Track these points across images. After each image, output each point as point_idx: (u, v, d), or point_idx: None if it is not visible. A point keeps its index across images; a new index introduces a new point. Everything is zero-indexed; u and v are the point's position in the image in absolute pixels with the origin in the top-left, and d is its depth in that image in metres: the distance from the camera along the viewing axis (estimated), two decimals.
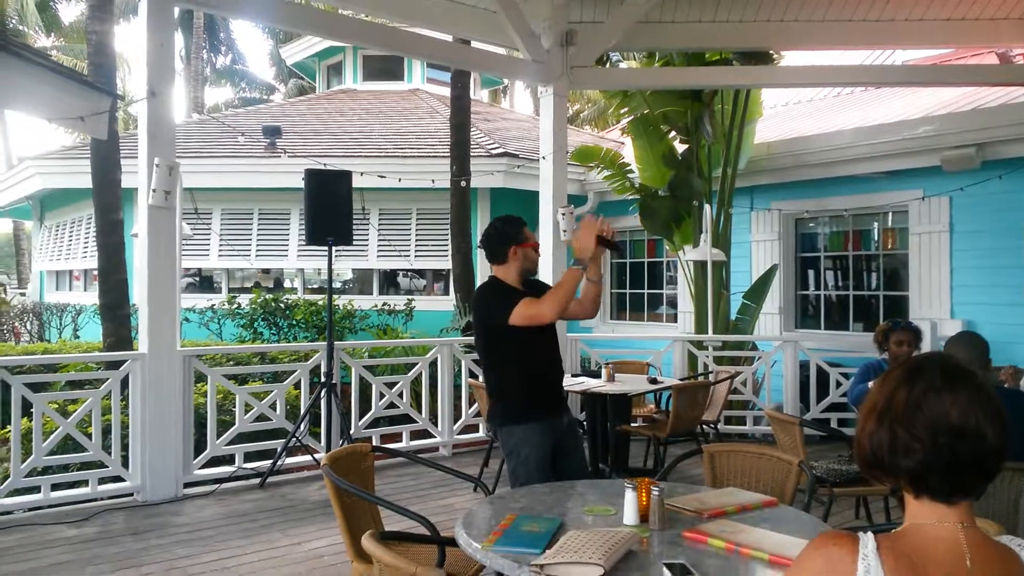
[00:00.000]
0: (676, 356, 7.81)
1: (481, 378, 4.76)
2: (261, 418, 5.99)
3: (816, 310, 9.22)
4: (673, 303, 10.65)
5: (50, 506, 5.02)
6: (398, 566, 2.13)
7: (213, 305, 9.94)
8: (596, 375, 6.01)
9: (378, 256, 10.98)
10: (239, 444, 5.89)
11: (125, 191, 7.71)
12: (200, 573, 4.03)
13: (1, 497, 4.85)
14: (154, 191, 5.13)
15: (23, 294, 18.63)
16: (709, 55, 8.37)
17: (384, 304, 10.22)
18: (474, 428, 7.10)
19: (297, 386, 6.25)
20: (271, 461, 5.80)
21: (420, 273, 11.61)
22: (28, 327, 13.49)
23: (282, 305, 9.59)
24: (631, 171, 9.05)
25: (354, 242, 6.29)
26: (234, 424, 5.89)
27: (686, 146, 8.75)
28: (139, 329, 5.53)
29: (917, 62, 10.05)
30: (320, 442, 6.10)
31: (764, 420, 7.26)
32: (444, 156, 9.74)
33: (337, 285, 11.47)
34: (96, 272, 8.50)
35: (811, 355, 7.55)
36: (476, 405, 6.76)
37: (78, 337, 11.81)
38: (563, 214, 6.94)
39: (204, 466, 5.68)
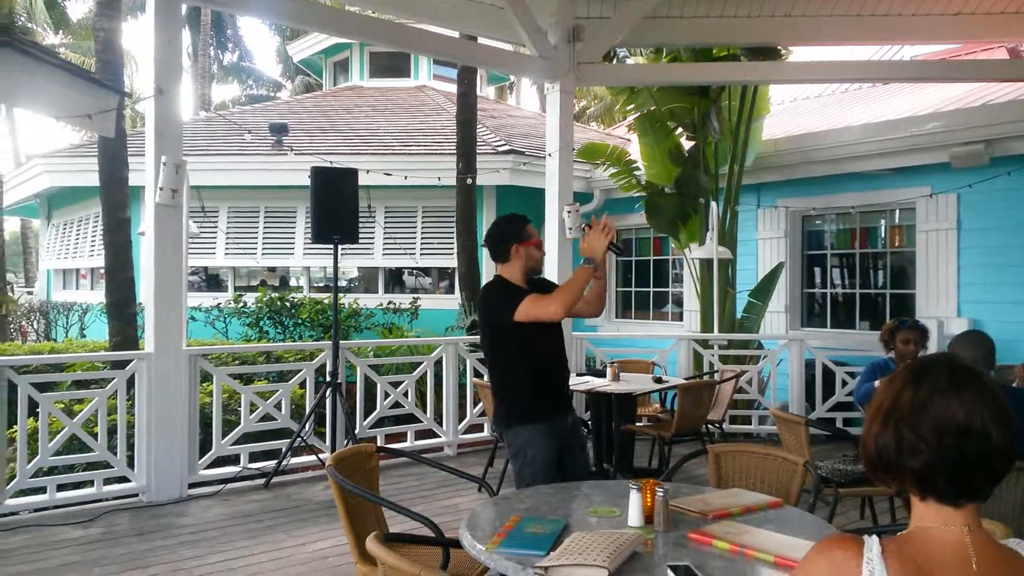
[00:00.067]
0: (681, 355, 7.78)
1: (486, 377, 4.75)
2: (266, 418, 6.00)
3: (822, 308, 9.18)
4: (679, 301, 10.62)
5: (56, 507, 5.03)
6: (402, 568, 2.12)
7: (219, 304, 9.96)
8: (601, 374, 6.00)
9: (384, 254, 10.99)
10: (244, 444, 5.90)
11: (132, 189, 7.72)
12: (205, 574, 4.04)
13: (7, 498, 4.86)
14: (161, 189, 5.14)
15: (30, 293, 18.73)
16: (717, 51, 8.34)
17: (389, 303, 10.23)
18: (479, 428, 7.09)
19: (302, 385, 6.25)
20: (276, 461, 5.80)
21: (425, 271, 11.61)
22: (35, 326, 13.55)
23: (288, 304, 9.60)
24: (637, 168, 9.03)
25: (360, 240, 6.28)
26: (239, 424, 5.90)
27: (693, 143, 8.72)
28: (145, 328, 5.54)
29: (925, 58, 10.00)
30: (325, 442, 6.10)
31: (769, 419, 7.23)
32: (450, 153, 9.73)
33: (343, 283, 11.49)
34: (103, 270, 8.52)
35: (817, 354, 7.51)
36: (481, 405, 6.75)
37: (84, 336, 11.86)
38: (569, 211, 6.91)
39: (209, 466, 5.69)
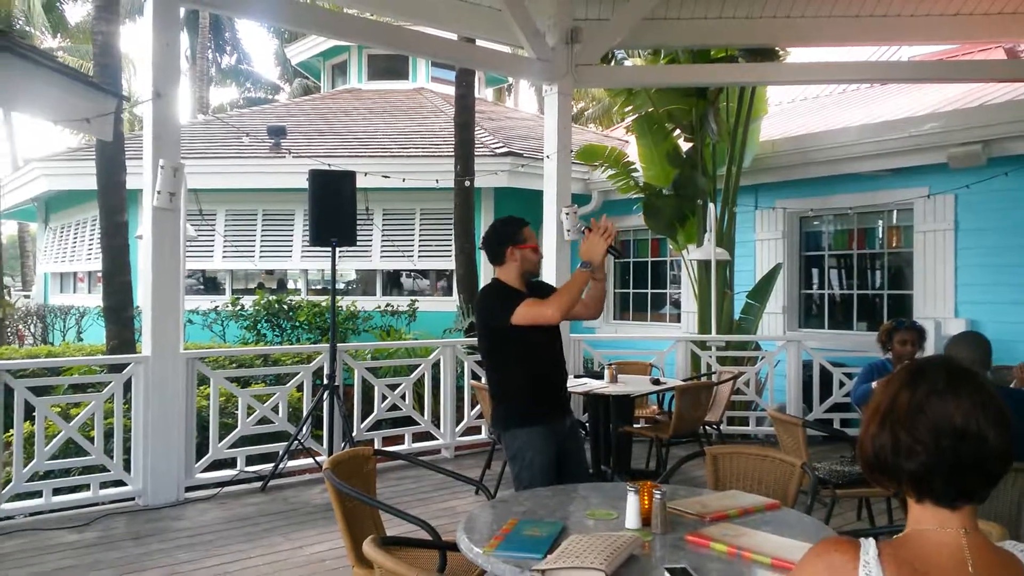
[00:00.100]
0: (679, 356, 7.78)
1: (484, 380, 4.74)
2: (263, 421, 5.98)
3: (820, 309, 9.18)
4: (676, 303, 10.62)
5: (52, 511, 5.01)
6: (399, 572, 2.11)
7: (217, 307, 9.95)
8: (599, 376, 5.99)
9: (381, 257, 10.99)
10: (241, 447, 5.89)
11: (130, 192, 7.72)
12: None
13: (3, 502, 4.84)
14: (159, 193, 5.12)
15: (27, 296, 18.70)
16: (714, 52, 8.34)
17: (387, 305, 10.22)
18: (476, 430, 7.09)
19: (300, 388, 6.24)
20: (273, 464, 5.79)
21: (423, 274, 11.60)
22: (32, 329, 13.53)
23: (285, 307, 9.60)
24: (635, 170, 9.03)
25: (358, 243, 6.28)
26: (236, 427, 5.89)
27: (691, 144, 8.73)
28: (143, 331, 5.52)
29: (923, 58, 10.01)
30: (322, 445, 6.08)
31: (767, 421, 7.23)
32: (448, 156, 9.73)
33: (340, 286, 11.49)
34: (100, 274, 8.51)
35: (814, 355, 7.51)
36: (479, 407, 6.75)
37: (81, 339, 11.84)
38: (567, 213, 6.92)
39: (206, 470, 5.68)
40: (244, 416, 5.89)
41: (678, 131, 8.86)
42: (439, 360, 6.86)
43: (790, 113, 11.05)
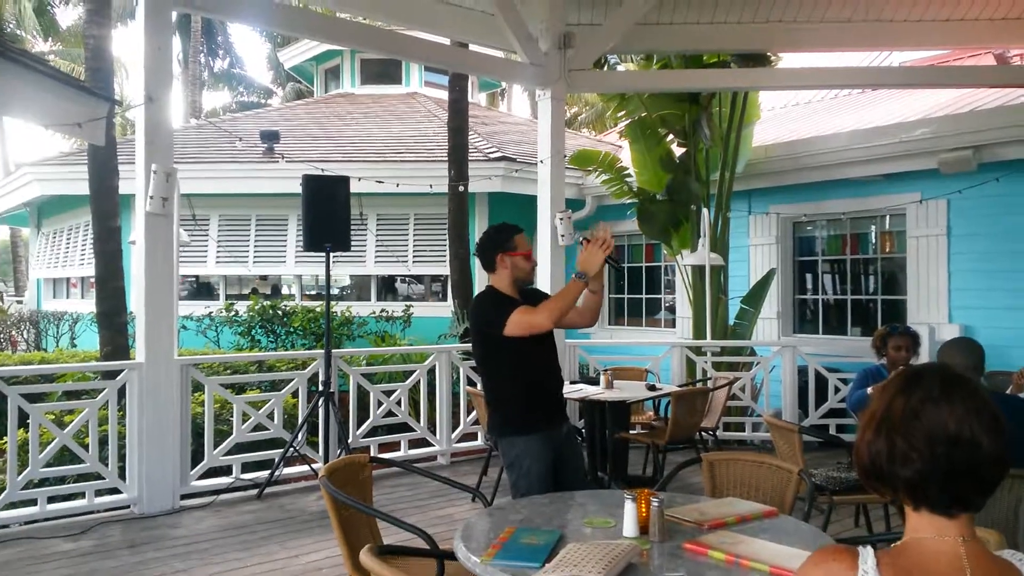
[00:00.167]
0: (674, 362, 7.79)
1: (479, 386, 4.74)
2: (259, 428, 5.97)
3: (814, 314, 9.21)
4: (671, 308, 10.64)
5: (47, 519, 4.99)
6: None
7: (211, 312, 9.92)
8: (594, 382, 5.99)
9: (376, 262, 10.97)
10: (237, 454, 5.87)
11: (123, 197, 7.68)
12: None
13: None
14: (151, 198, 5.11)
15: (20, 302, 18.62)
16: (707, 57, 8.37)
17: (382, 311, 10.20)
18: (473, 436, 7.08)
19: (295, 395, 6.22)
20: (269, 472, 5.77)
21: (418, 279, 11.59)
22: (25, 335, 13.46)
23: (280, 312, 9.57)
24: (629, 175, 9.04)
25: (352, 248, 6.27)
26: (231, 434, 5.87)
27: (684, 149, 8.75)
28: (136, 337, 5.50)
29: (914, 63, 10.05)
30: (318, 451, 6.07)
31: (763, 426, 7.24)
32: (442, 160, 9.73)
33: (335, 291, 11.47)
34: (93, 279, 8.47)
35: (809, 360, 7.54)
36: (475, 413, 6.74)
37: (75, 345, 11.79)
38: (561, 219, 6.93)
39: (201, 477, 5.66)
40: (239, 423, 5.87)
41: (671, 136, 8.88)
42: (435, 366, 6.85)
43: (782, 118, 11.09)
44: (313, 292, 11.62)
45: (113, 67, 8.77)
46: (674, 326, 10.34)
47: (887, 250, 8.61)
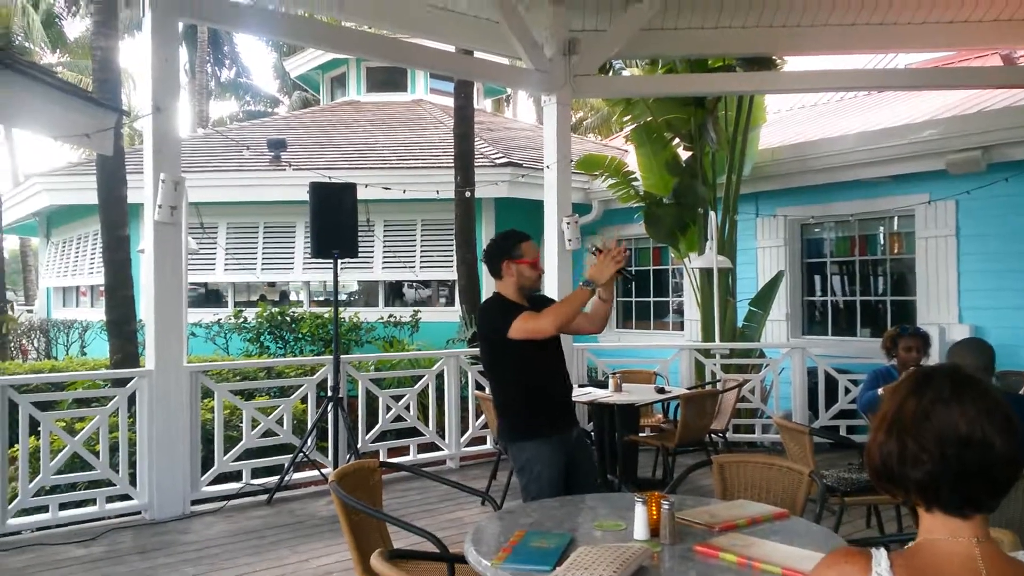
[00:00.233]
0: (683, 365, 7.78)
1: (488, 390, 4.74)
2: (268, 433, 5.98)
3: (823, 316, 9.18)
4: (679, 311, 10.62)
5: (58, 525, 5.01)
6: None
7: (219, 319, 9.95)
8: (603, 385, 5.98)
9: (383, 268, 10.99)
10: (246, 460, 5.88)
11: (131, 207, 7.73)
12: None
13: (10, 517, 4.85)
14: (160, 207, 5.14)
15: (30, 311, 18.71)
16: (712, 61, 8.37)
17: (390, 316, 10.22)
18: (481, 440, 7.08)
19: (304, 400, 6.24)
20: (278, 477, 5.78)
21: (425, 284, 11.61)
22: (35, 344, 13.52)
23: (288, 319, 9.60)
24: (635, 179, 9.05)
25: (359, 254, 6.29)
26: (241, 440, 5.88)
27: (690, 153, 8.75)
28: (146, 345, 5.53)
29: (920, 65, 10.03)
30: (327, 456, 6.08)
31: (773, 428, 7.21)
32: (448, 167, 9.75)
33: (343, 297, 11.48)
34: (103, 288, 8.51)
35: (819, 362, 7.51)
36: (483, 417, 6.74)
37: (85, 354, 11.83)
38: (568, 223, 6.93)
39: (212, 483, 5.68)
40: (249, 429, 5.89)
41: (677, 140, 8.89)
42: (443, 371, 6.86)
43: (788, 121, 11.09)
44: (321, 298, 11.65)
45: (121, 78, 8.85)
46: (682, 329, 10.32)
47: (896, 251, 8.58)
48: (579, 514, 2.83)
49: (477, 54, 8.24)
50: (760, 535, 2.45)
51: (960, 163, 7.22)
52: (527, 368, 3.38)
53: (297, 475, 5.99)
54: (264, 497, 5.69)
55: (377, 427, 6.51)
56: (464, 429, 6.95)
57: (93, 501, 5.20)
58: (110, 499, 5.24)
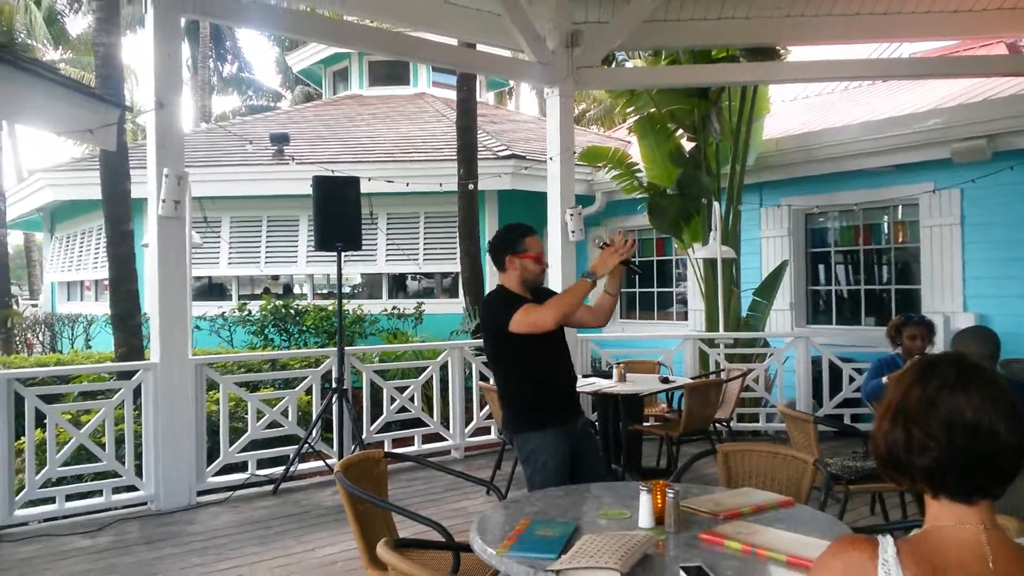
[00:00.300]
0: (687, 354, 7.78)
1: (492, 381, 4.75)
2: (273, 425, 6.01)
3: (827, 305, 9.17)
4: (683, 301, 10.62)
5: (65, 516, 5.04)
6: (413, 573, 2.12)
7: (224, 312, 9.98)
8: (607, 375, 5.99)
9: (387, 260, 11.00)
10: (252, 451, 5.91)
11: (135, 201, 7.74)
12: None
13: (17, 508, 4.88)
14: (163, 201, 5.15)
15: (35, 305, 18.77)
16: (715, 52, 8.34)
17: (394, 308, 10.24)
18: (486, 431, 7.10)
19: (308, 392, 6.26)
20: (284, 468, 5.81)
21: (429, 276, 11.62)
22: (40, 338, 13.57)
23: (292, 311, 9.61)
24: (639, 170, 9.03)
25: (363, 247, 6.29)
26: (246, 431, 5.91)
27: (694, 144, 8.72)
28: (151, 338, 5.55)
29: (925, 54, 9.99)
30: (332, 447, 6.10)
31: (777, 417, 7.22)
32: (451, 159, 9.75)
33: (346, 290, 11.50)
34: (107, 282, 8.54)
35: (823, 350, 7.51)
36: (487, 408, 6.76)
37: (90, 347, 11.88)
38: (571, 215, 6.93)
39: (217, 474, 5.70)
40: (254, 420, 5.92)
41: (681, 131, 8.86)
42: (447, 362, 6.88)
43: (793, 111, 11.04)
44: (325, 291, 11.67)
45: (123, 74, 8.85)
46: (686, 319, 10.31)
47: (900, 240, 8.57)
48: (584, 503, 2.83)
49: (479, 47, 8.20)
50: (765, 523, 2.45)
51: (965, 152, 7.19)
52: (530, 361, 3.38)
53: (302, 466, 6.03)
54: (270, 488, 5.71)
55: (381, 418, 6.53)
56: (468, 420, 6.97)
57: (99, 492, 5.23)
58: (116, 490, 5.27)
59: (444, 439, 6.86)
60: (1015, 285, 7.21)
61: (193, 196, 5.91)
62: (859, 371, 7.16)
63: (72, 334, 12.63)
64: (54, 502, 5.06)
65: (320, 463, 6.04)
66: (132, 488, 5.30)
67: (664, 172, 8.76)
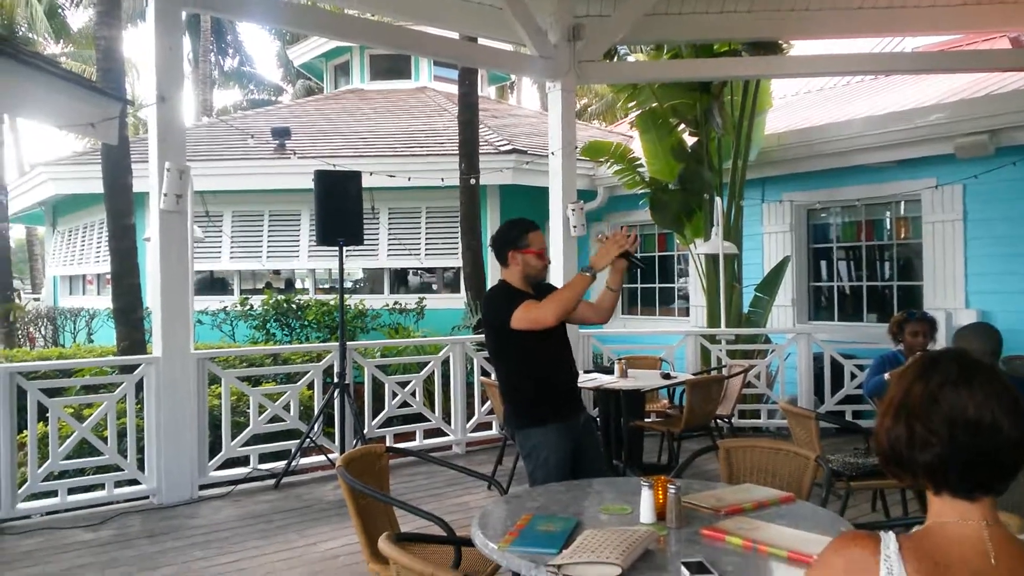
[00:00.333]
0: (689, 350, 7.78)
1: (494, 376, 4.75)
2: (275, 419, 6.02)
3: (829, 301, 9.16)
4: (685, 297, 10.61)
5: (67, 510, 5.06)
6: (414, 567, 2.12)
7: (225, 307, 9.99)
8: (609, 371, 5.99)
9: (388, 255, 11.00)
10: (254, 445, 5.92)
11: (137, 195, 7.74)
12: (217, 574, 4.05)
13: (19, 502, 4.89)
14: (165, 195, 5.15)
15: (37, 299, 18.79)
16: (718, 46, 8.32)
17: (395, 303, 10.24)
18: (487, 426, 7.10)
19: (310, 387, 6.27)
20: (286, 462, 5.82)
21: (430, 271, 11.62)
22: (42, 332, 13.59)
23: (294, 306, 9.62)
24: (641, 165, 9.01)
25: (364, 242, 6.29)
26: (248, 425, 5.92)
27: (696, 139, 8.71)
28: (153, 332, 5.55)
29: (928, 49, 9.95)
30: (334, 442, 6.11)
31: (778, 413, 7.23)
32: (453, 154, 9.74)
33: (348, 285, 11.50)
34: (109, 276, 8.54)
35: (825, 347, 7.50)
36: (489, 403, 6.76)
37: (92, 341, 11.89)
38: (573, 209, 6.92)
39: (219, 468, 5.71)
40: (256, 415, 5.92)
41: (683, 126, 8.85)
42: (448, 357, 6.88)
43: (795, 106, 11.02)
44: (327, 286, 11.67)
45: (124, 67, 8.84)
46: (688, 315, 10.31)
47: (903, 236, 8.55)
48: (585, 498, 2.84)
49: (481, 41, 8.19)
50: (766, 519, 2.45)
51: (968, 147, 7.17)
52: (532, 357, 3.38)
53: (304, 460, 6.04)
54: (271, 482, 5.72)
55: (383, 413, 6.53)
56: (470, 415, 6.97)
57: (101, 486, 5.25)
58: (118, 484, 5.29)
59: (445, 434, 6.87)
60: (1017, 281, 7.20)
61: (195, 190, 5.91)
62: (861, 368, 7.15)
63: (74, 328, 12.65)
64: (56, 495, 5.07)
65: (322, 458, 6.04)
66: (134, 482, 5.31)
67: (666, 167, 8.75)
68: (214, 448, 5.70)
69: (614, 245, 3.24)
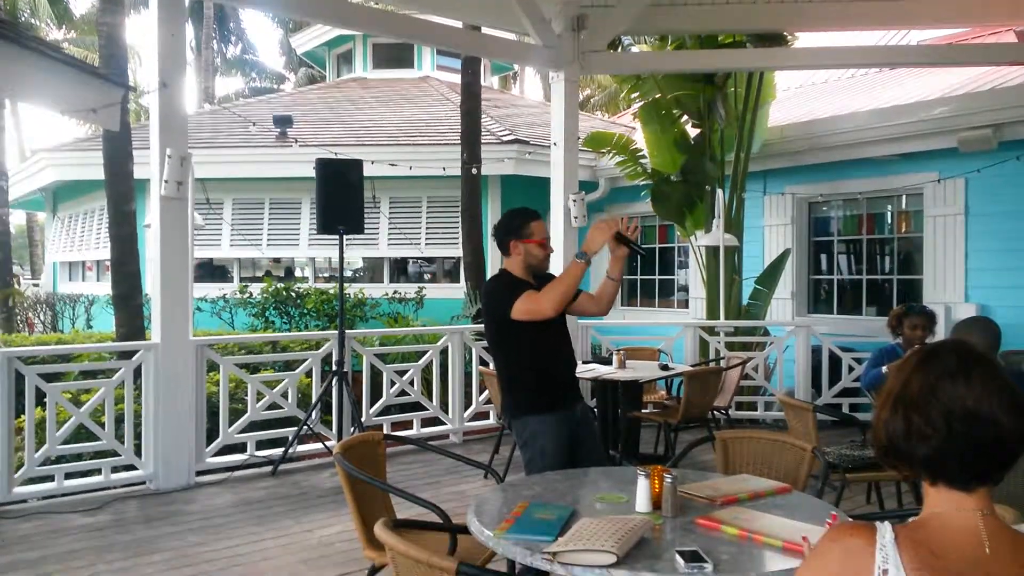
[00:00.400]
0: (687, 342, 7.78)
1: (492, 365, 4.75)
2: (273, 406, 6.02)
3: (829, 295, 9.16)
4: (684, 289, 10.61)
5: (64, 495, 5.06)
6: (410, 554, 2.12)
7: (225, 294, 9.99)
8: (607, 362, 5.99)
9: (389, 244, 10.99)
10: (251, 432, 5.92)
11: (137, 182, 7.73)
12: (213, 560, 4.05)
13: (16, 486, 4.90)
14: (166, 182, 5.14)
15: (36, 285, 18.79)
16: (722, 38, 8.28)
17: (395, 292, 10.24)
18: (484, 415, 7.11)
19: (309, 374, 6.27)
20: (283, 449, 5.83)
21: (430, 261, 11.61)
22: (41, 317, 13.60)
23: (293, 294, 9.62)
24: (643, 156, 8.99)
25: (365, 231, 6.28)
26: (246, 412, 5.92)
27: (698, 130, 8.68)
28: (152, 319, 5.56)
29: (932, 42, 9.91)
30: (332, 430, 6.12)
31: (776, 405, 7.23)
32: (455, 143, 9.71)
33: (348, 273, 11.50)
34: (109, 263, 8.53)
35: (824, 340, 7.50)
36: (487, 392, 6.77)
37: (91, 327, 11.90)
38: (575, 200, 6.91)
39: (216, 454, 5.72)
40: (254, 402, 5.93)
41: (686, 117, 8.82)
42: (447, 346, 6.88)
43: (798, 98, 10.99)
44: (326, 274, 11.67)
45: (127, 54, 8.81)
46: (687, 307, 10.31)
47: (903, 230, 8.54)
48: (581, 487, 2.84)
49: (485, 30, 8.16)
50: (762, 509, 2.45)
51: (971, 141, 7.15)
52: (530, 347, 3.37)
53: (301, 448, 6.04)
54: (268, 469, 5.74)
55: (381, 401, 6.54)
56: (467, 404, 6.98)
57: (98, 471, 5.26)
58: (115, 469, 5.30)
59: (443, 423, 6.88)
60: (1017, 276, 7.19)
61: (196, 177, 5.90)
62: (859, 361, 7.16)
63: (73, 314, 12.66)
64: (53, 480, 5.07)
65: (319, 445, 6.05)
66: (131, 467, 5.32)
67: (668, 159, 8.73)
68: (211, 434, 5.70)
69: (605, 229, 3.21)
